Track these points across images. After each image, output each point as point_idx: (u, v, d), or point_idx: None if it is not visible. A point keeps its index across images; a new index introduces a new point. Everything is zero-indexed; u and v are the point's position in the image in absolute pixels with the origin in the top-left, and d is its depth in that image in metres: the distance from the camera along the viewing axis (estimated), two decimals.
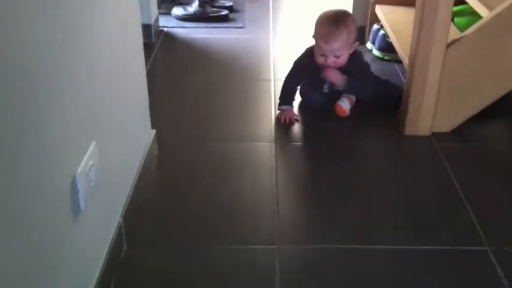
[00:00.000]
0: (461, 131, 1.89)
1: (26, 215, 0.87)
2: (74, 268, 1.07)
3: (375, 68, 2.36)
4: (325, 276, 1.33)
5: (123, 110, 1.41)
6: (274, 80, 2.29)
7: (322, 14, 1.94)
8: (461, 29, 2.07)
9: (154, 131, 1.74)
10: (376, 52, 2.50)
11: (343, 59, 1.92)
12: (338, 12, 1.94)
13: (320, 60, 1.92)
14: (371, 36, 2.56)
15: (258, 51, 2.58)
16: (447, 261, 1.37)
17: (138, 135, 1.59)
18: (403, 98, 1.90)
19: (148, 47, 2.43)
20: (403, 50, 2.09)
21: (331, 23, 1.88)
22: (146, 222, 1.48)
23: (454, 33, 1.88)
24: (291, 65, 2.04)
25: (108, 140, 1.26)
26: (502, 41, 1.73)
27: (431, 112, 1.85)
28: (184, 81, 2.29)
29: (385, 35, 2.42)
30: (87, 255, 1.16)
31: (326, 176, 1.70)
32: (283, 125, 1.94)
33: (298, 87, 2.05)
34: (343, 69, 1.94)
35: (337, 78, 1.93)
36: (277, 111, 2.00)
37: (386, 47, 2.43)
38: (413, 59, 1.81)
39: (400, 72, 2.31)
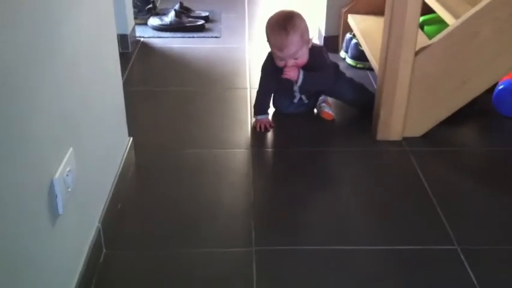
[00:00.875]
0: (432, 136, 1.94)
1: (4, 218, 0.88)
2: (53, 271, 1.09)
3: (348, 75, 2.43)
4: (301, 277, 1.37)
5: (99, 118, 1.43)
6: (250, 88, 2.33)
7: (269, 19, 1.94)
8: (431, 37, 2.13)
9: (131, 138, 1.76)
10: (349, 60, 2.56)
11: (303, 58, 1.92)
12: (284, 14, 1.92)
13: (280, 64, 1.93)
14: (344, 45, 2.62)
15: (234, 60, 2.62)
16: (417, 261, 1.41)
17: (115, 142, 1.62)
18: (375, 104, 1.96)
19: (125, 56, 2.46)
20: (374, 57, 2.15)
21: (279, 29, 1.86)
22: (124, 227, 1.51)
23: (423, 41, 1.94)
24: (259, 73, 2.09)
25: (85, 146, 1.28)
26: (468, 47, 1.80)
27: (402, 117, 1.91)
28: (161, 90, 2.32)
29: (358, 44, 2.48)
30: (67, 259, 1.18)
31: (300, 180, 1.74)
32: (258, 132, 1.98)
33: (271, 94, 2.07)
34: (307, 67, 1.95)
35: (293, 75, 1.93)
36: (253, 120, 2.03)
37: (359, 55, 2.49)
38: (383, 66, 1.87)
39: (372, 80, 2.36)
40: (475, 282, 1.34)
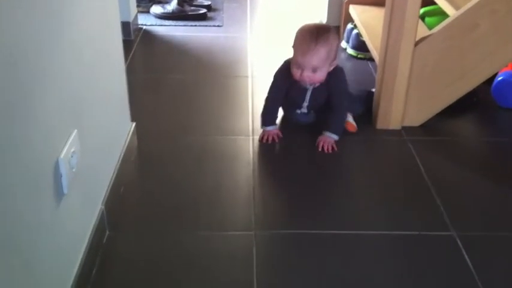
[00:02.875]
0: (430, 125, 1.97)
1: (11, 195, 0.90)
2: (57, 250, 1.11)
3: (349, 65, 2.45)
4: (300, 260, 1.39)
5: (103, 102, 1.45)
6: (252, 76, 2.35)
7: (304, 25, 1.83)
8: (432, 28, 2.15)
9: (133, 123, 1.78)
10: (350, 51, 2.58)
11: (320, 75, 1.79)
12: (321, 26, 1.84)
13: (296, 73, 1.79)
14: (345, 35, 2.64)
15: (235, 49, 2.64)
16: (415, 246, 1.44)
17: (117, 126, 1.64)
18: (375, 94, 1.98)
19: (127, 44, 2.46)
20: (375, 48, 2.16)
21: (311, 37, 1.75)
22: (127, 210, 1.53)
23: (424, 32, 1.96)
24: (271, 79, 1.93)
25: (89, 129, 1.31)
26: (468, 38, 1.82)
27: (402, 107, 1.93)
28: (163, 77, 2.34)
29: (359, 34, 2.50)
30: (71, 239, 1.20)
31: (301, 167, 1.76)
32: (265, 143, 1.86)
33: (280, 103, 1.95)
34: (322, 87, 1.84)
35: (330, 145, 1.83)
36: (260, 131, 1.91)
37: (360, 45, 2.51)
38: (383, 56, 1.89)
39: (372, 70, 2.38)
40: (471, 267, 1.36)
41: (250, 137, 1.90)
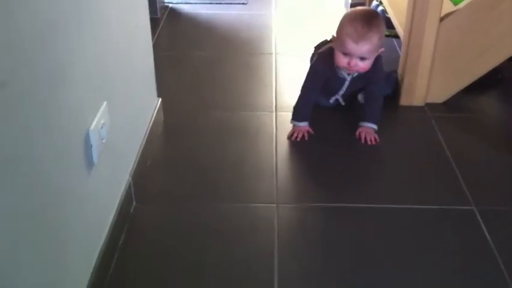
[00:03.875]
0: (454, 102, 1.97)
1: (45, 163, 0.95)
2: (87, 218, 1.16)
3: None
4: (320, 232, 1.43)
5: (131, 77, 1.49)
6: (275, 53, 2.37)
7: (350, 12, 1.74)
8: (458, 4, 2.13)
9: (160, 99, 1.83)
10: None
11: (368, 64, 1.71)
12: (369, 12, 1.76)
13: (342, 62, 1.70)
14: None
15: (260, 27, 2.65)
16: (436, 220, 1.46)
17: (145, 101, 1.68)
18: (399, 70, 1.98)
19: (153, 22, 2.48)
20: (400, 24, 2.16)
21: (363, 23, 1.65)
22: (153, 183, 1.58)
23: (450, 8, 1.94)
24: (308, 70, 1.84)
25: (118, 102, 1.35)
26: (493, 14, 1.80)
27: (425, 84, 1.93)
28: (188, 54, 2.37)
29: (384, 11, 2.49)
30: (100, 208, 1.25)
31: (323, 142, 1.78)
32: (294, 140, 1.77)
33: (315, 98, 1.84)
34: (361, 76, 1.78)
35: (372, 136, 1.77)
36: (290, 126, 1.81)
37: (385, 22, 2.49)
38: (408, 32, 1.89)
39: (397, 47, 2.38)
40: (490, 240, 1.38)
41: (273, 113, 1.93)
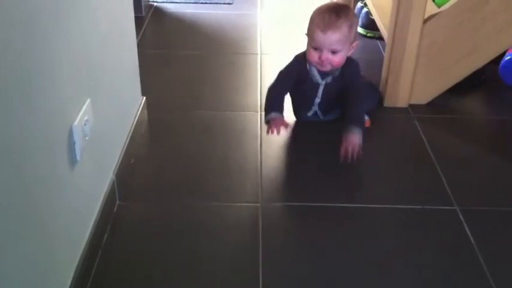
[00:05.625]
0: (438, 103, 1.99)
1: (27, 160, 0.94)
2: (70, 216, 1.15)
3: (358, 44, 2.45)
4: (304, 231, 1.43)
5: (115, 74, 1.49)
6: (261, 54, 2.37)
7: (320, 5, 1.69)
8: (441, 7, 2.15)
9: (144, 97, 1.82)
10: (359, 29, 2.58)
11: (340, 57, 1.65)
12: (339, 4, 1.73)
13: (313, 56, 1.65)
14: (355, 13, 2.64)
15: (245, 26, 2.65)
16: (418, 219, 1.47)
17: (129, 98, 1.67)
18: (382, 72, 2.00)
19: (138, 20, 2.46)
20: (384, 26, 2.17)
21: (330, 12, 1.62)
22: (137, 181, 1.57)
23: (433, 11, 1.96)
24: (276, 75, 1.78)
25: (102, 99, 1.34)
26: (477, 15, 1.82)
27: (409, 85, 1.95)
28: (173, 53, 2.36)
29: (369, 13, 2.51)
30: (83, 205, 1.24)
31: (308, 143, 1.79)
32: (271, 135, 1.71)
33: (284, 96, 1.79)
34: (335, 81, 1.72)
35: (355, 147, 1.61)
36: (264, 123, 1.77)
37: (369, 24, 2.51)
38: (392, 34, 1.90)
39: (381, 49, 2.40)
40: (472, 240, 1.39)
41: (259, 113, 1.93)
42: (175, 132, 1.81)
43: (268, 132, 1.72)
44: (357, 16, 2.61)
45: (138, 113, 1.73)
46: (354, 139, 1.61)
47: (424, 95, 1.98)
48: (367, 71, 2.03)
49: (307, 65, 1.73)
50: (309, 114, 1.83)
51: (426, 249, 1.38)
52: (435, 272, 1.31)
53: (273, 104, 1.75)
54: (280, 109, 1.74)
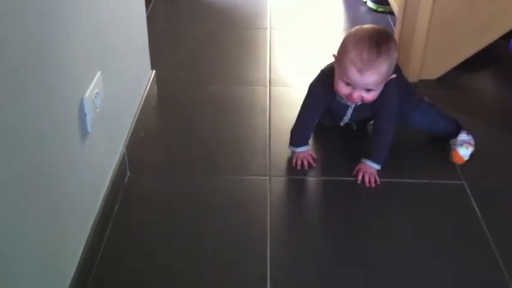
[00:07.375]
0: (447, 79, 1.98)
1: (39, 132, 0.95)
2: (81, 186, 1.17)
3: (369, 19, 2.45)
4: (311, 202, 1.45)
5: (125, 48, 1.49)
6: (270, 28, 2.37)
7: (355, 31, 1.40)
8: None
9: (153, 71, 1.83)
10: (370, 4, 2.57)
11: (374, 95, 1.41)
12: (379, 32, 1.39)
13: (344, 91, 1.41)
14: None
15: (255, 1, 2.64)
16: (426, 194, 1.48)
17: (139, 72, 1.68)
18: None
19: None
20: (395, 1, 2.16)
21: (370, 46, 1.34)
22: (147, 153, 1.59)
23: None
24: (307, 89, 1.57)
25: (112, 72, 1.35)
26: None
27: (419, 60, 1.94)
28: (183, 29, 2.36)
29: None
30: (94, 176, 1.26)
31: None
32: (294, 166, 1.56)
33: (315, 122, 1.62)
34: (366, 103, 1.45)
35: (372, 176, 1.51)
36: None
37: None
38: (403, 9, 1.89)
39: (392, 24, 2.38)
40: (479, 214, 1.40)
41: (267, 88, 1.93)
42: (184, 106, 1.82)
43: (295, 166, 1.56)
44: None
45: (148, 87, 1.74)
46: (369, 170, 1.51)
47: (435, 70, 1.97)
48: None
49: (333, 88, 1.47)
50: (341, 123, 1.64)
51: (433, 223, 1.38)
52: (443, 246, 1.32)
53: (300, 134, 1.59)
54: (306, 141, 1.59)
